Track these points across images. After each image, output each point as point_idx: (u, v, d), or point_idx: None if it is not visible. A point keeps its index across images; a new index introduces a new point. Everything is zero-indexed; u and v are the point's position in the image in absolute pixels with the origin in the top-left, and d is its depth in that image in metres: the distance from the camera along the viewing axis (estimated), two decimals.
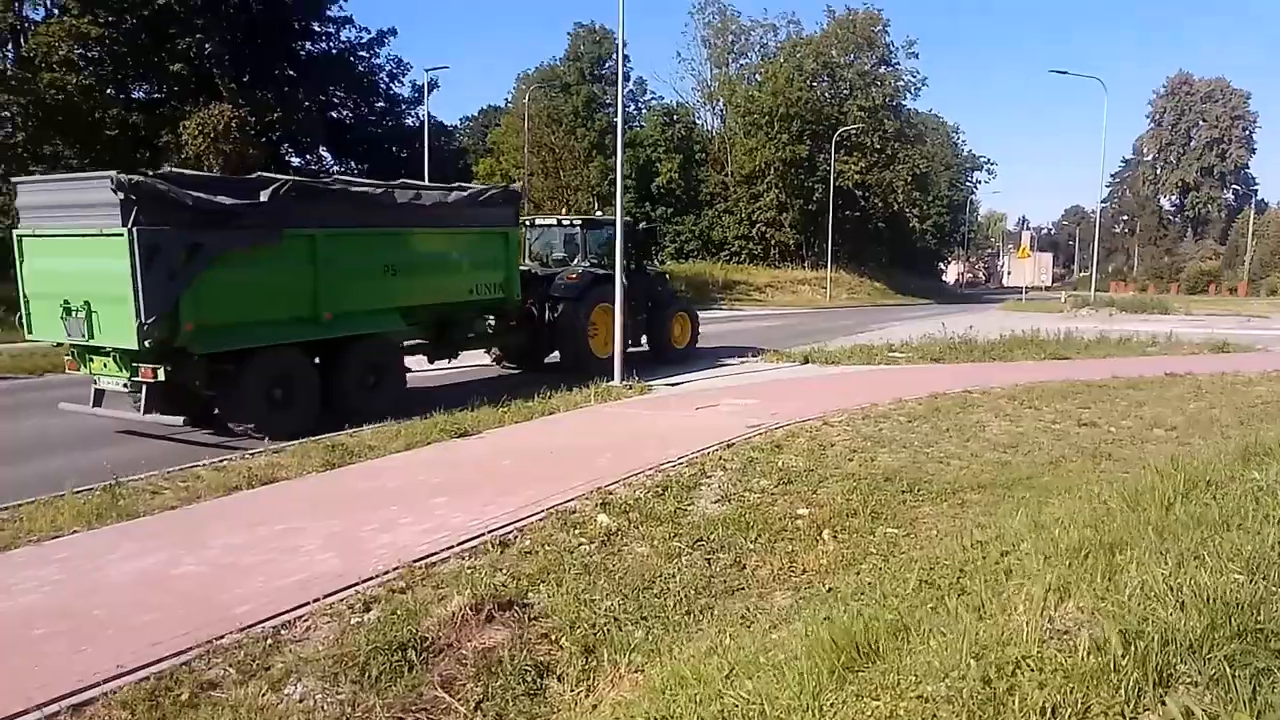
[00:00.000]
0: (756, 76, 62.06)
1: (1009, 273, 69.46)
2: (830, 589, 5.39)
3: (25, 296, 10.93)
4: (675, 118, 63.94)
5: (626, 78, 59.74)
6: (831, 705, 2.76)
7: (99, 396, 11.07)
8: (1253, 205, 74.40)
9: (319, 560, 6.11)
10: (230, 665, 4.69)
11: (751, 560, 6.50)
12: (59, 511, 7.12)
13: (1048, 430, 10.72)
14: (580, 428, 11.06)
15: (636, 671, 4.71)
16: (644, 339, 18.26)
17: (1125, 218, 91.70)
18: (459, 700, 4.55)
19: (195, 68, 28.79)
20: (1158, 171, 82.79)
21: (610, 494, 7.71)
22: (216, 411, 11.06)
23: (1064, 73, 42.09)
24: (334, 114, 34.84)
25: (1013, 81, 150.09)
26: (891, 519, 7.31)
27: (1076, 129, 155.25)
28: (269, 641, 4.94)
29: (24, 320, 10.94)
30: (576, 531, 6.84)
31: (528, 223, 18.11)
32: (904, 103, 63.98)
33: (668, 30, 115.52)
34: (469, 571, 5.95)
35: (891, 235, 64.68)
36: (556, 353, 16.76)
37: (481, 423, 10.90)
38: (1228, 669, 2.28)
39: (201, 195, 10.37)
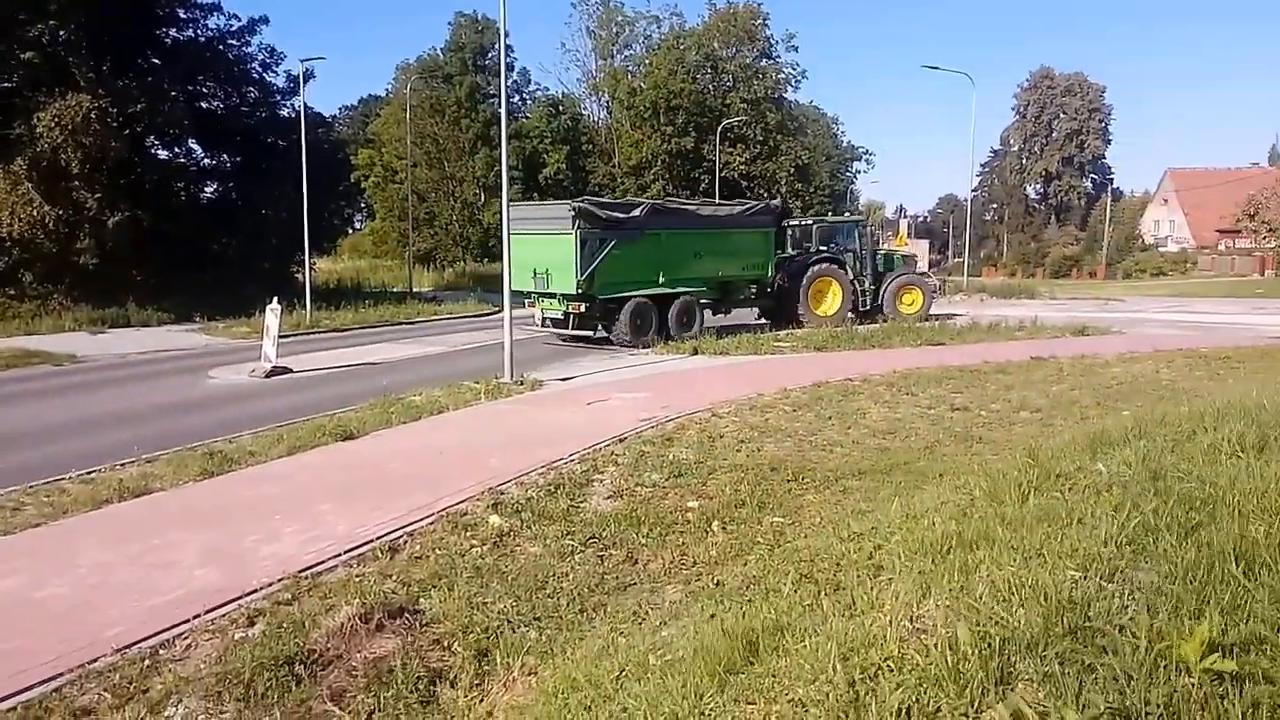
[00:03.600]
0: (641, 68, 62.28)
1: None
2: (719, 582, 5.52)
3: (510, 268, 17.40)
4: (561, 109, 63.67)
5: (510, 68, 59.13)
6: (712, 710, 2.86)
7: (544, 321, 20.55)
8: (1109, 194, 78.90)
9: (198, 575, 5.92)
10: (105, 690, 4.52)
11: (644, 555, 6.58)
12: None
13: (923, 415, 11.18)
14: (470, 427, 10.96)
15: (530, 674, 4.73)
16: (870, 304, 24.57)
17: (995, 205, 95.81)
18: (349, 713, 4.49)
19: (49, 56, 26.96)
20: (1023, 161, 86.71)
21: (502, 494, 7.69)
22: (602, 331, 20.08)
23: (935, 68, 43.78)
24: (203, 104, 33.00)
25: (888, 75, 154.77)
26: (778, 508, 7.51)
27: (949, 120, 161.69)
28: (146, 663, 4.78)
29: (508, 279, 16.05)
30: (468, 534, 6.80)
31: (786, 223, 25.81)
32: (785, 95, 65.28)
33: (551, 20, 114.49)
34: (357, 580, 5.86)
35: None
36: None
37: (368, 424, 10.70)
38: (1059, 666, 2.44)
39: (607, 212, 19.70)
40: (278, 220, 32.28)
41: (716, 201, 23.93)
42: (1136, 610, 2.71)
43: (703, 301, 21.73)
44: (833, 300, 23.84)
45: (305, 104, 31.17)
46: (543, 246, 19.24)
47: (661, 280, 20.44)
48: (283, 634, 5.02)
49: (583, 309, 19.28)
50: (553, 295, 19.73)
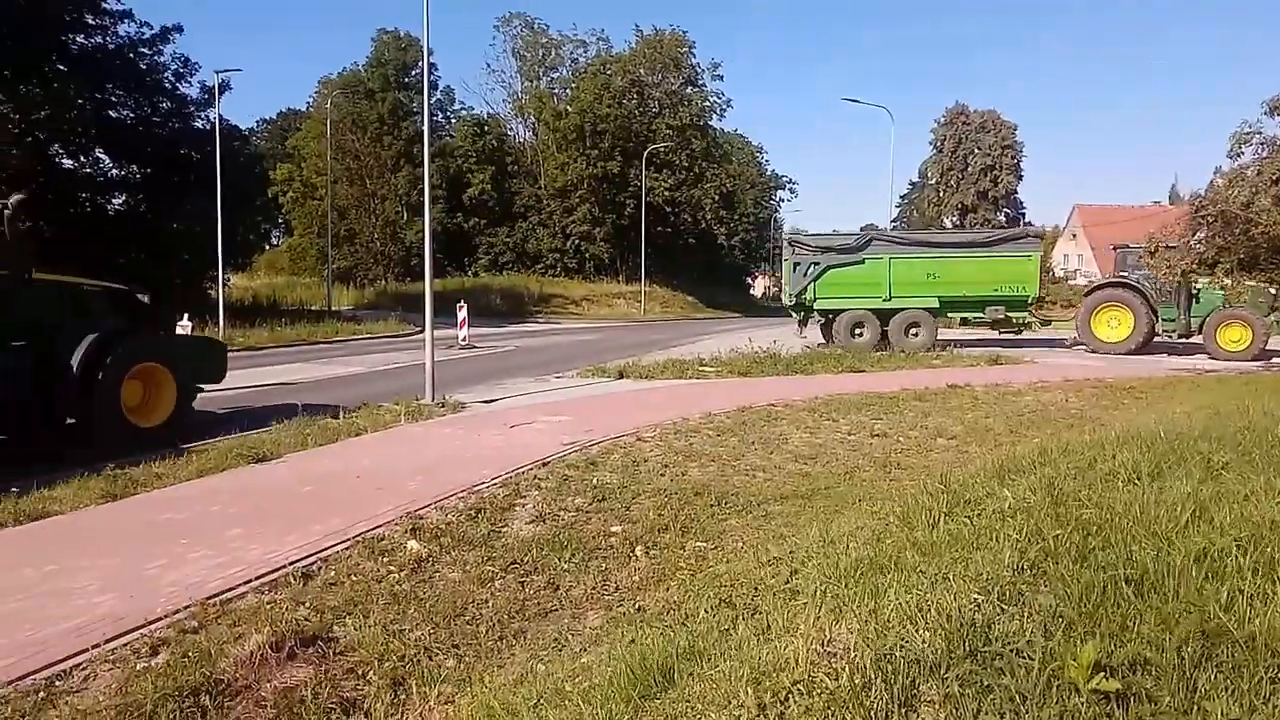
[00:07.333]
0: (567, 91, 62.60)
1: None
2: (640, 608, 5.50)
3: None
4: (486, 129, 63.53)
5: (434, 86, 58.80)
6: None
7: (799, 328, 26.52)
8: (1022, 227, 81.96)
9: (98, 603, 5.65)
10: None
11: (566, 580, 6.52)
12: None
13: (844, 441, 11.36)
14: (389, 450, 10.76)
15: (447, 703, 4.63)
16: (1179, 336, 24.87)
17: None
18: None
19: None
20: (940, 194, 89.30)
21: (421, 519, 7.53)
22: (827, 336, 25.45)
23: (855, 101, 45.11)
24: (112, 114, 31.86)
25: (811, 106, 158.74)
26: (701, 533, 7.53)
27: (869, 152, 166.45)
28: (41, 695, 4.53)
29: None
30: (385, 559, 6.65)
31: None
32: (710, 123, 66.25)
33: (477, 40, 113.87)
34: (268, 607, 5.67)
35: (701, 250, 66.73)
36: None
37: (282, 446, 10.41)
38: (959, 688, 2.52)
39: (819, 245, 25.27)
40: (190, 234, 31.34)
41: (961, 230, 27.76)
42: (1033, 632, 2.80)
43: (972, 317, 25.36)
44: (1122, 328, 24.36)
45: (220, 116, 30.65)
46: (785, 269, 25.80)
47: (885, 297, 24.45)
48: (188, 663, 4.82)
49: (804, 316, 25.68)
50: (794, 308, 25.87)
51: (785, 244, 25.77)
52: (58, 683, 4.67)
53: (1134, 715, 2.32)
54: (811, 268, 24.68)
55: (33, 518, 7.52)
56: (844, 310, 24.75)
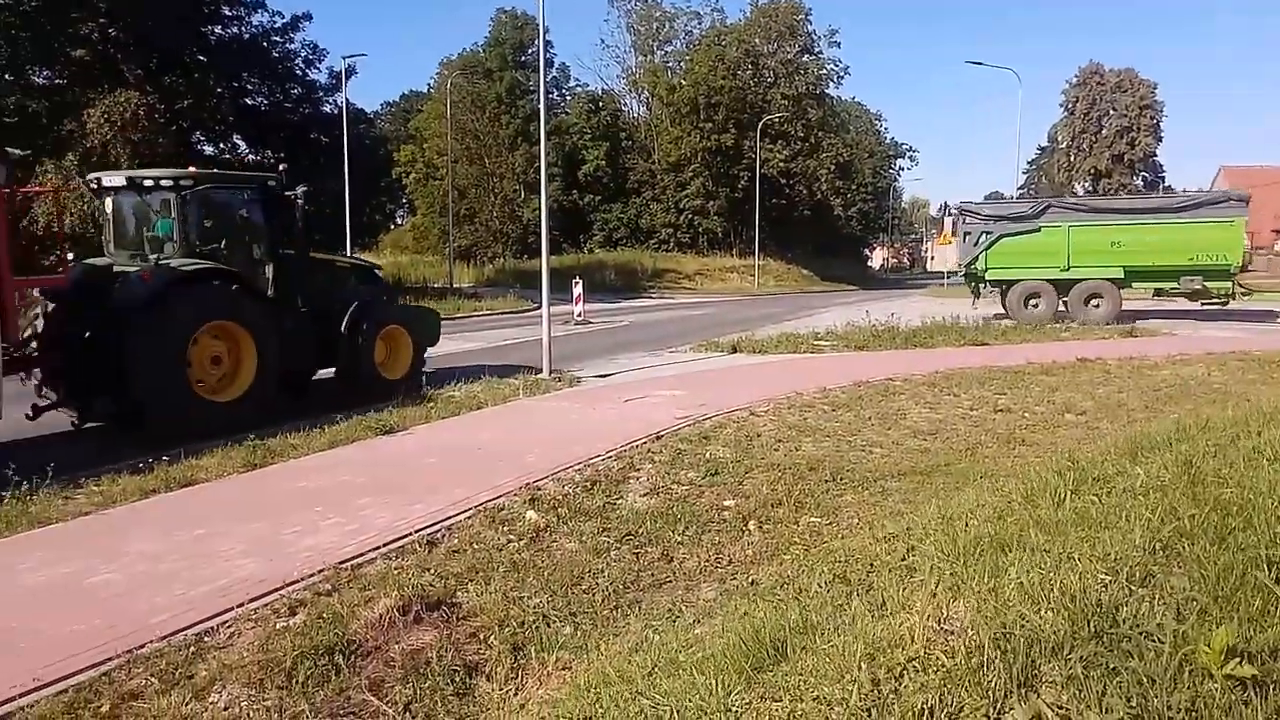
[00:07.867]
0: (681, 65, 62.26)
1: (932, 257, 71.21)
2: (753, 581, 5.52)
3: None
4: (600, 105, 63.80)
5: (550, 64, 59.30)
6: (738, 707, 2.89)
7: (972, 300, 26.32)
8: (1160, 191, 77.26)
9: (241, 565, 6.02)
10: (152, 675, 4.61)
11: (679, 553, 6.58)
12: None
13: (966, 417, 11.05)
14: (508, 423, 11.04)
15: (564, 669, 4.76)
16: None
17: None
18: (387, 703, 4.55)
19: (99, 53, 27.57)
20: (1072, 158, 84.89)
21: (539, 490, 7.72)
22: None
23: (980, 64, 43.42)
24: (247, 101, 33.61)
25: (932, 71, 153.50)
26: (815, 508, 7.47)
27: (994, 116, 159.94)
28: (191, 649, 4.87)
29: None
30: (505, 529, 6.85)
31: None
32: (827, 91, 64.88)
33: (591, 16, 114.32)
34: (396, 572, 5.93)
35: (817, 222, 65.64)
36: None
37: (407, 419, 10.82)
38: (1082, 669, 2.44)
39: (990, 213, 24.48)
40: (320, 215, 32.63)
41: (1152, 194, 26.57)
42: (1164, 615, 2.70)
43: (1168, 288, 24.02)
44: None
45: (347, 100, 31.73)
46: (969, 239, 25.07)
47: (1063, 267, 23.61)
48: (323, 624, 5.10)
49: (978, 288, 25.53)
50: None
51: (955, 212, 25.80)
52: (206, 638, 5.00)
53: (1272, 703, 2.20)
54: (983, 237, 24.00)
55: (182, 484, 8.07)
56: (1018, 281, 24.06)
